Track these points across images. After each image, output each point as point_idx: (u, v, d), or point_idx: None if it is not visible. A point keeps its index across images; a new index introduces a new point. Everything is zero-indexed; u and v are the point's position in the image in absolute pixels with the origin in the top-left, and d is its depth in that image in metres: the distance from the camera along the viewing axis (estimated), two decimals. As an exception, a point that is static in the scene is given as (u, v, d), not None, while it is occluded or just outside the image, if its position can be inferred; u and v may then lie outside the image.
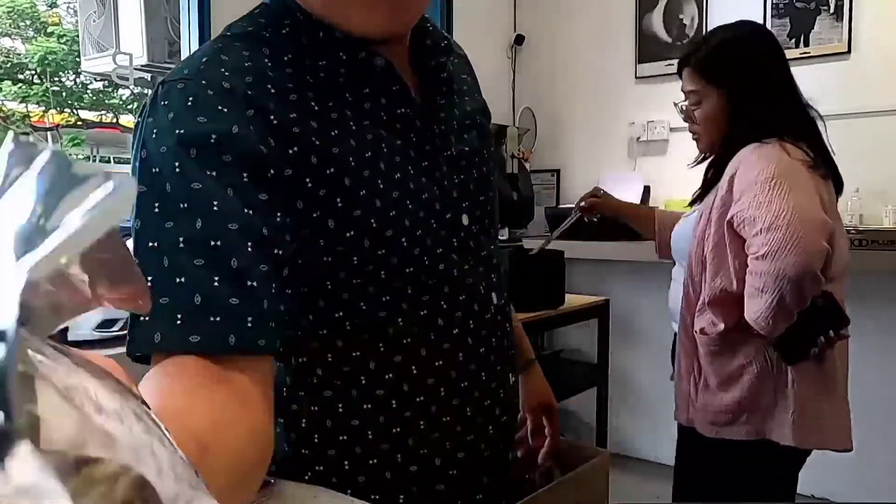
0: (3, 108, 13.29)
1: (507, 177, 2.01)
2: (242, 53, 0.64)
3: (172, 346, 0.51)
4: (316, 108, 0.65)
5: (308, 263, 0.64)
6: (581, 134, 3.30)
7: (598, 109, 3.20)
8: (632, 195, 2.97)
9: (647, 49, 3.05)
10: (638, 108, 3.08)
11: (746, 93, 1.41)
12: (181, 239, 0.54)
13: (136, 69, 2.99)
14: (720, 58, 1.44)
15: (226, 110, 0.59)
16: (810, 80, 2.72)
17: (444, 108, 0.76)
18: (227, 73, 0.61)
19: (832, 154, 1.44)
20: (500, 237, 2.24)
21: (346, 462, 0.72)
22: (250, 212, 0.57)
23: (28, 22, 12.98)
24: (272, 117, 0.61)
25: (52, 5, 13.14)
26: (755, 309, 1.30)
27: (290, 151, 0.62)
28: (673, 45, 2.98)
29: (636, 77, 3.09)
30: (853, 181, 2.55)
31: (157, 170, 0.57)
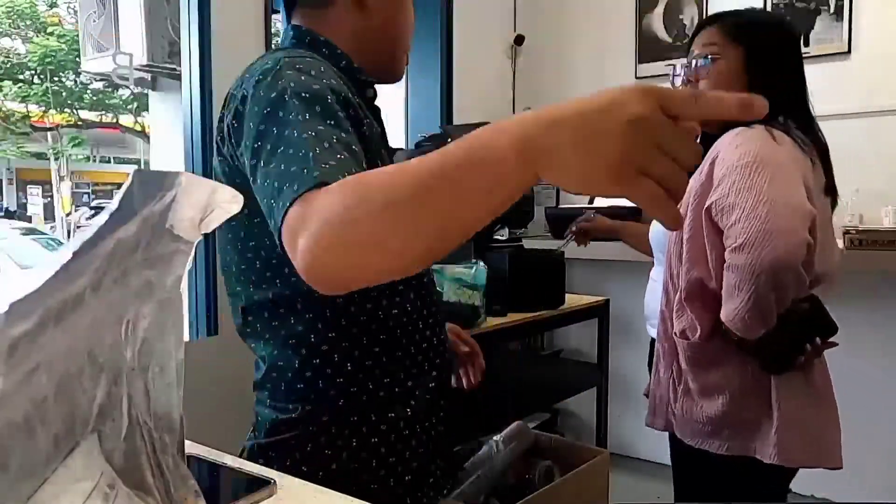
0: (3, 108, 13.26)
1: (507, 177, 2.02)
2: (315, 56, 0.89)
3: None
4: (359, 108, 0.90)
5: None
6: (581, 134, 3.29)
7: (598, 109, 3.20)
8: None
9: (647, 49, 3.05)
10: (638, 108, 3.08)
11: (765, 61, 1.33)
12: (334, 137, 0.75)
13: (136, 69, 2.99)
14: (748, 20, 1.38)
15: (340, 82, 0.87)
16: (810, 80, 2.72)
17: None
18: (322, 61, 0.89)
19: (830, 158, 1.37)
20: (500, 237, 2.24)
21: (364, 396, 0.92)
22: (356, 148, 0.78)
23: (28, 22, 12.96)
24: (353, 96, 0.88)
25: (52, 5, 13.13)
26: (731, 308, 1.20)
27: (361, 129, 0.87)
28: (673, 46, 2.98)
29: (636, 77, 3.09)
30: (853, 181, 2.55)
31: (309, 95, 0.79)
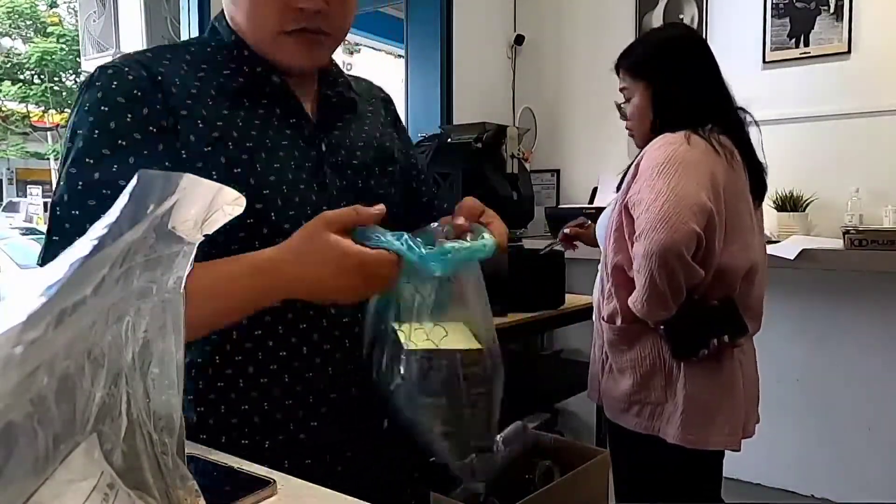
0: (3, 108, 13.27)
1: (506, 177, 2.00)
2: (166, 57, 0.87)
3: None
4: (225, 112, 0.87)
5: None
6: (581, 134, 3.30)
7: (598, 109, 3.20)
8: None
9: (647, 49, 3.04)
10: (638, 108, 3.08)
11: (668, 84, 1.47)
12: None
13: (136, 69, 2.98)
14: (644, 54, 1.52)
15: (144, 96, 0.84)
16: (810, 80, 2.73)
17: (339, 128, 0.97)
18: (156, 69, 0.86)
19: (760, 157, 1.48)
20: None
21: (246, 429, 0.87)
22: None
23: (28, 22, 12.97)
24: (183, 111, 0.84)
25: (52, 5, 13.14)
26: (634, 293, 1.33)
27: (212, 136, 0.85)
28: (673, 45, 2.97)
29: (636, 77, 3.09)
30: (853, 181, 2.55)
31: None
